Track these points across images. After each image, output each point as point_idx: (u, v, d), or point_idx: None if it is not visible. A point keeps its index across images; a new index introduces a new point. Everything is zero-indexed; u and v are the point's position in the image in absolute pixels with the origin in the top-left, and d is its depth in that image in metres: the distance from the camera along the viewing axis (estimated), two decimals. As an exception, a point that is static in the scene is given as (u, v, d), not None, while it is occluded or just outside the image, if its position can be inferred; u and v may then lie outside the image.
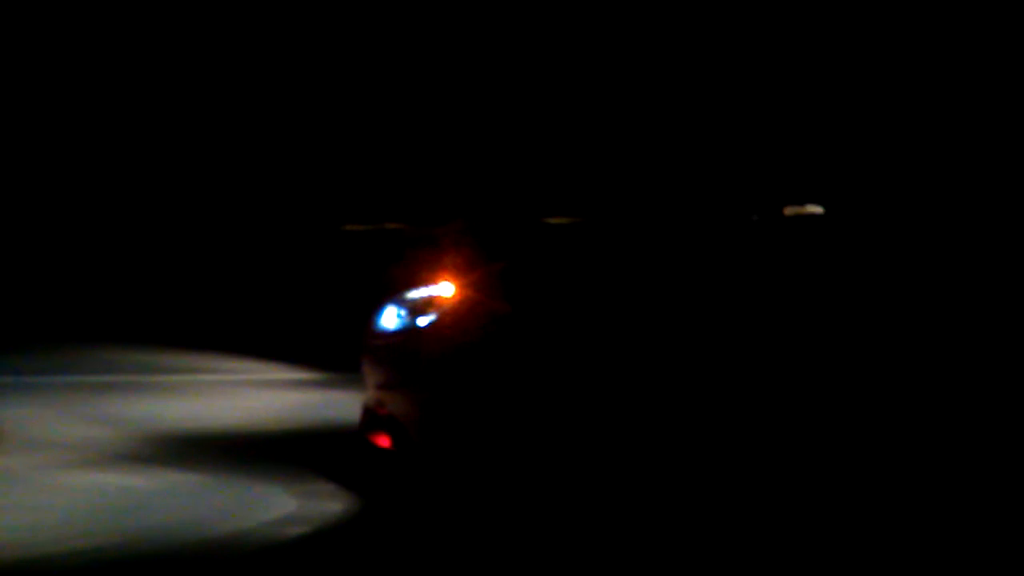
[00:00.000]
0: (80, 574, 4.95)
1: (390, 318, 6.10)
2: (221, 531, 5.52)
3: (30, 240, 12.75)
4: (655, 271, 5.87)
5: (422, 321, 5.99)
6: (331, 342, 9.68)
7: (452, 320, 5.94)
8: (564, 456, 5.68)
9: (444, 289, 6.06)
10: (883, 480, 5.51)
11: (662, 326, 5.73)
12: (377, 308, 6.14)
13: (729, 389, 5.62)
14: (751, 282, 5.70)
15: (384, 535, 5.61)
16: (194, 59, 13.72)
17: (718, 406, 5.64)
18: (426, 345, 5.95)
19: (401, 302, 6.11)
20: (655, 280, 5.84)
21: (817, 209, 6.08)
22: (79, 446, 7.14)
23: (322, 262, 12.31)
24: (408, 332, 6.04)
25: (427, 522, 5.70)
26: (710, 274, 5.76)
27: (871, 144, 11.51)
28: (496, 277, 6.08)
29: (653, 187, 11.96)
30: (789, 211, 6.01)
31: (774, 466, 5.56)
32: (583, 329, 5.79)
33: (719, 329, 5.66)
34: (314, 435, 7.54)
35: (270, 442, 7.44)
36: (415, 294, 6.12)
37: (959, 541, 5.30)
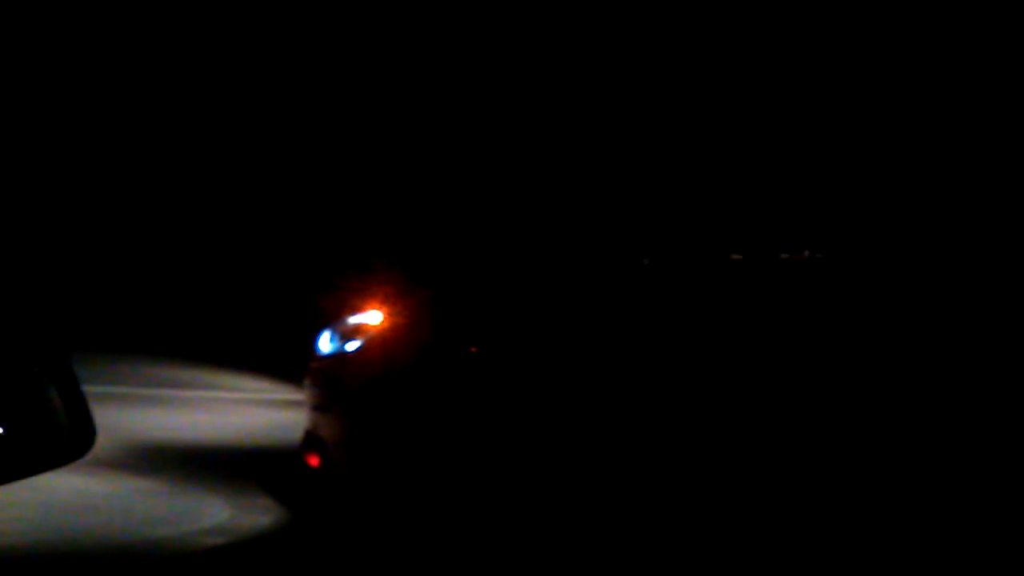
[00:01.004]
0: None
1: (326, 342, 6.44)
2: (146, 536, 5.86)
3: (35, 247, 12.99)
4: (558, 305, 6.13)
5: (350, 347, 6.32)
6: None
7: (374, 347, 6.25)
8: (471, 482, 5.92)
9: (372, 317, 6.38)
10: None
11: (569, 357, 5.97)
12: (317, 332, 6.49)
13: (632, 420, 5.83)
14: (639, 320, 5.94)
15: (300, 550, 5.89)
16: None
17: (629, 434, 5.85)
18: (348, 370, 6.28)
19: (336, 327, 6.44)
20: (559, 313, 6.10)
21: (737, 256, 6.27)
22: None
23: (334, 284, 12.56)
24: (336, 357, 6.37)
25: (343, 539, 6.02)
26: (603, 310, 6.01)
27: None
28: (421, 305, 6.39)
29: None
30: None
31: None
32: (494, 360, 6.04)
33: (615, 363, 5.89)
34: (275, 453, 7.77)
35: (233, 457, 7.71)
36: (350, 320, 6.45)
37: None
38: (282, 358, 10.82)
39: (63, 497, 6.36)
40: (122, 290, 12.67)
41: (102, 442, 7.58)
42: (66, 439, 3.79)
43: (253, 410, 9.50)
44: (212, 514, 6.32)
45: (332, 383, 6.32)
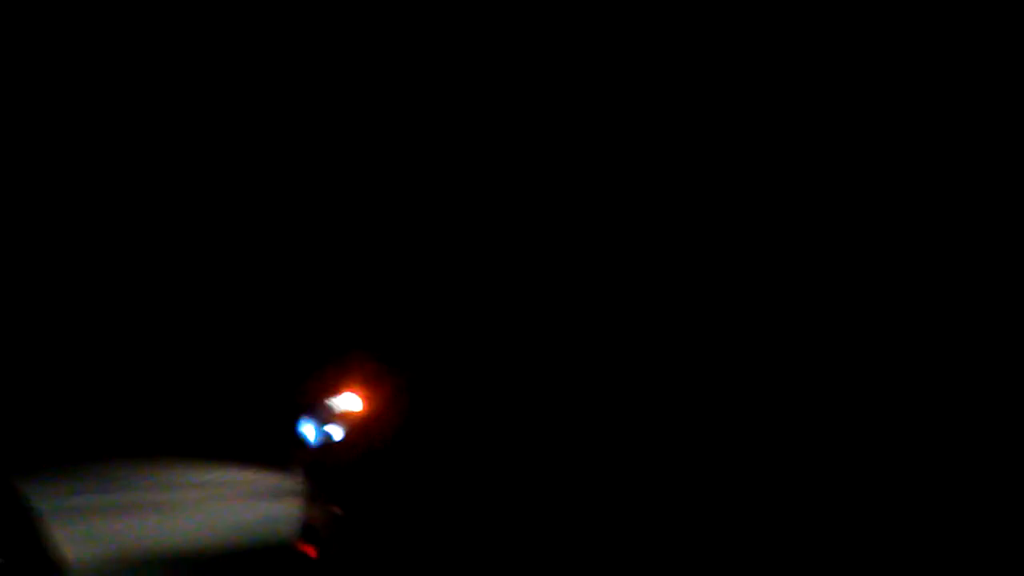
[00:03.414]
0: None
1: (310, 430, 6.55)
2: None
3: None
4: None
5: (336, 435, 6.41)
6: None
7: (358, 434, 6.32)
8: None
9: (351, 402, 6.48)
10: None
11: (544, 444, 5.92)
12: (295, 417, 6.60)
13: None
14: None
15: None
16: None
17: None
18: (335, 459, 6.35)
19: (316, 414, 6.56)
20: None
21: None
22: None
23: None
24: (323, 446, 6.47)
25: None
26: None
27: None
28: (398, 390, 6.46)
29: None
30: None
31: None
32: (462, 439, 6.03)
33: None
34: (268, 549, 7.65)
35: (226, 558, 7.59)
36: (329, 405, 6.56)
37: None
38: (264, 445, 10.63)
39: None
40: (93, 390, 12.59)
41: (95, 554, 7.71)
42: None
43: (243, 504, 9.13)
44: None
45: (322, 472, 6.40)
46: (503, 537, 5.77)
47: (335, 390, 6.27)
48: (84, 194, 13.92)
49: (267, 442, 10.63)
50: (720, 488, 5.52)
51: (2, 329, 13.22)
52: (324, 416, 6.10)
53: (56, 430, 12.39)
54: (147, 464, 10.90)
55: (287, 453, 10.20)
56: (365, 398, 6.09)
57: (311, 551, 6.39)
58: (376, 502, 6.05)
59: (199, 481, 10.22)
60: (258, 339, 12.94)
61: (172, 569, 7.41)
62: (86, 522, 8.79)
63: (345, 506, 6.18)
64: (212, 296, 13.45)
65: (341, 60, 13.22)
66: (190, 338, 13.37)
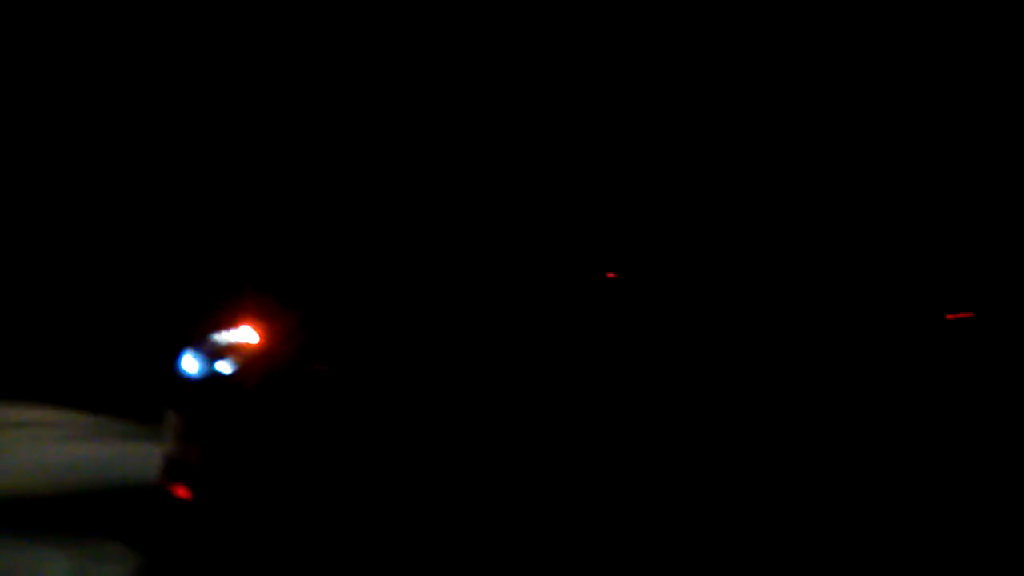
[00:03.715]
0: None
1: (192, 362, 6.07)
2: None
3: None
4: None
5: (224, 369, 5.95)
6: (140, 386, 9.38)
7: (254, 367, 5.90)
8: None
9: (247, 335, 6.03)
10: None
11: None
12: (177, 351, 6.12)
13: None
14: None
15: None
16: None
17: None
18: (226, 393, 5.91)
19: (205, 347, 6.08)
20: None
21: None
22: None
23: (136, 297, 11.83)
24: (210, 379, 5.99)
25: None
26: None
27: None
28: (297, 324, 6.05)
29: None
30: None
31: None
32: (370, 384, 5.70)
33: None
34: (105, 493, 7.09)
35: (56, 501, 6.98)
36: (218, 339, 6.09)
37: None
38: (102, 385, 10.07)
39: None
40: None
41: None
42: None
43: (57, 445, 8.65)
44: (54, 570, 5.70)
45: (207, 407, 5.92)
46: (387, 473, 5.49)
47: (227, 324, 5.81)
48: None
49: (108, 383, 10.11)
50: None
51: None
52: (212, 350, 5.63)
53: None
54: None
55: (131, 394, 9.67)
56: (261, 332, 5.63)
57: (182, 491, 5.90)
58: (267, 441, 5.65)
59: (20, 420, 9.59)
60: (141, 269, 12.29)
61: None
62: None
63: (231, 444, 5.75)
64: (93, 227, 12.73)
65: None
66: (62, 267, 12.59)
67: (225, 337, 6.00)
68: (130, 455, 8.16)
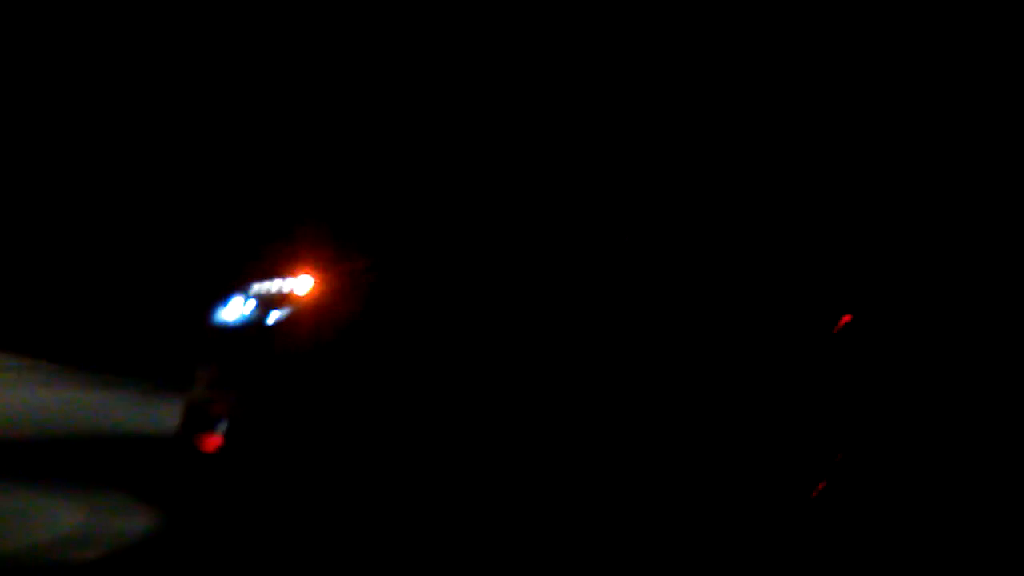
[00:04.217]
0: None
1: (234, 310, 5.61)
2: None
3: None
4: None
5: (272, 317, 5.50)
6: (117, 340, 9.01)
7: (305, 320, 5.46)
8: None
9: (301, 284, 5.58)
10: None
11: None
12: (216, 299, 5.66)
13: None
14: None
15: (189, 556, 4.92)
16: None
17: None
18: (274, 343, 5.46)
19: (250, 294, 5.63)
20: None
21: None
22: None
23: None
24: (256, 327, 5.54)
25: (241, 539, 5.02)
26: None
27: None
28: (358, 277, 5.61)
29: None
30: None
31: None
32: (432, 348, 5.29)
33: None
34: (100, 440, 6.69)
35: (46, 447, 6.54)
36: (266, 286, 5.64)
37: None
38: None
39: None
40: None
41: None
42: None
43: (30, 390, 8.27)
44: (66, 520, 5.20)
45: (248, 356, 5.47)
46: (443, 455, 5.15)
47: (277, 271, 5.38)
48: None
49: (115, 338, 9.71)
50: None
51: None
52: (261, 295, 5.21)
53: None
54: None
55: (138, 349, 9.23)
56: (316, 281, 5.22)
57: (212, 442, 5.46)
58: (312, 397, 5.24)
59: (8, 366, 9.16)
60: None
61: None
62: None
63: (272, 397, 5.33)
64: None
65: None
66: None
67: (272, 286, 5.56)
68: (121, 404, 7.71)
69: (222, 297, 5.67)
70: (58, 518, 5.23)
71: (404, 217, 5.94)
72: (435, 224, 5.70)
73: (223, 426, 5.45)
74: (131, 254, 11.60)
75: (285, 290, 5.57)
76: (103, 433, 6.98)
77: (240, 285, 5.68)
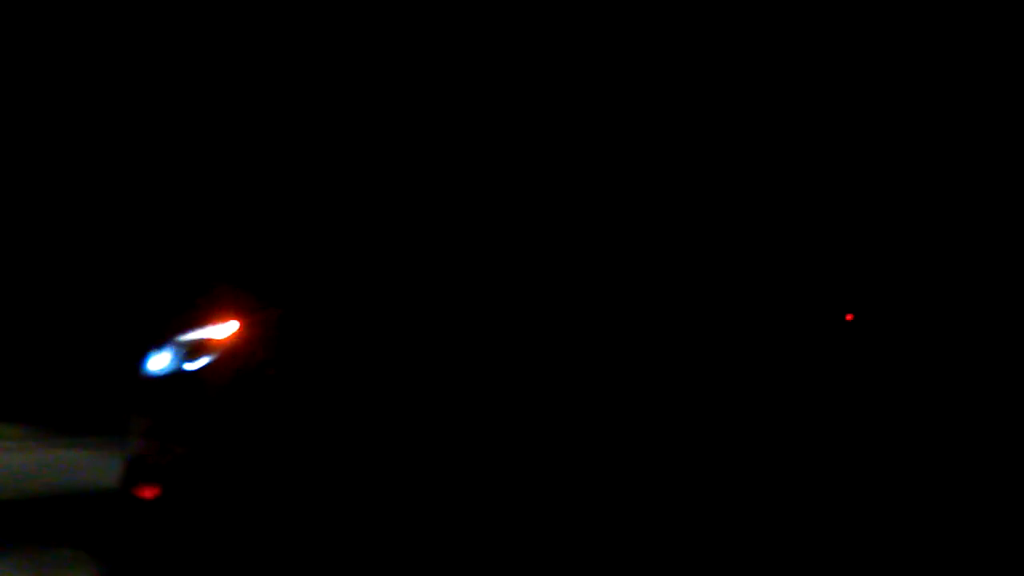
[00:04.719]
0: None
1: (162, 361, 5.82)
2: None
3: None
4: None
5: (191, 365, 5.70)
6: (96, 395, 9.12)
7: (222, 365, 5.66)
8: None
9: (221, 331, 5.78)
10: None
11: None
12: (146, 351, 5.86)
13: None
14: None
15: None
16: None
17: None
18: (193, 391, 5.66)
19: (175, 344, 5.83)
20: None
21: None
22: None
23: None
24: (177, 376, 5.75)
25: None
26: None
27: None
28: (274, 322, 5.82)
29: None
30: None
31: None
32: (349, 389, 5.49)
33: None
34: (59, 498, 6.88)
35: (11, 507, 6.76)
36: (190, 336, 5.84)
37: None
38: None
39: None
40: None
41: None
42: None
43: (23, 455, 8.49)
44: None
45: (171, 405, 5.67)
46: (368, 474, 5.27)
47: (198, 322, 5.58)
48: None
49: (63, 392, 9.78)
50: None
51: None
52: (182, 348, 5.40)
53: None
54: None
55: (87, 403, 9.32)
56: (233, 329, 5.42)
57: (149, 492, 5.65)
58: (240, 439, 5.42)
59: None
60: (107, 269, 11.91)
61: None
62: None
63: (201, 442, 5.51)
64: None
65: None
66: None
67: (195, 335, 5.76)
68: (82, 462, 7.86)
69: (151, 348, 5.87)
70: (6, 577, 5.41)
71: (309, 273, 6.19)
72: (334, 279, 5.94)
73: (159, 474, 5.65)
74: (74, 311, 11.75)
75: (206, 337, 5.78)
76: (61, 491, 7.13)
77: (166, 336, 5.89)
